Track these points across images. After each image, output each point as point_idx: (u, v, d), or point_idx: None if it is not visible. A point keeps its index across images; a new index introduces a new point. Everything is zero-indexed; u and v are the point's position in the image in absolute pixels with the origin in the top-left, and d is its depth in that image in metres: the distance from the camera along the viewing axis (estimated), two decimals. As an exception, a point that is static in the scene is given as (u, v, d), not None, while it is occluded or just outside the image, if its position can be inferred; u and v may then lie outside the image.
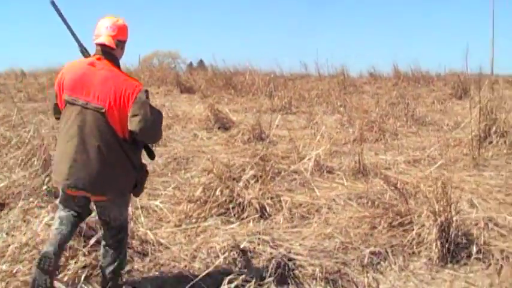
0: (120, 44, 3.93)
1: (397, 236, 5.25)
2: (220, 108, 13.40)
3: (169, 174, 8.20)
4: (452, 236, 4.90)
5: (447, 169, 8.09)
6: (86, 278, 4.30)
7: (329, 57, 34.95)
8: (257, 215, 5.96)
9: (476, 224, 5.50)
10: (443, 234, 4.88)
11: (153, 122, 3.82)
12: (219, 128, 12.07)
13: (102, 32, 3.86)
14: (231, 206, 6.08)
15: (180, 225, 5.78)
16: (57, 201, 4.21)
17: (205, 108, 13.11)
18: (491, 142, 9.75)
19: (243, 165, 7.94)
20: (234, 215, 5.99)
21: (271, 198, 6.35)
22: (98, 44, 3.89)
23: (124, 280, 4.30)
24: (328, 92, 17.46)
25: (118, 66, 3.96)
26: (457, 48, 48.76)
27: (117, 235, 4.08)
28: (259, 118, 11.78)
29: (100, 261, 4.17)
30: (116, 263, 4.06)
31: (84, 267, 4.42)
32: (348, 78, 21.63)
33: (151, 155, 4.24)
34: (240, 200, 6.13)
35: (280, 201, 6.36)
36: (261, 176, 7.09)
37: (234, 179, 7.22)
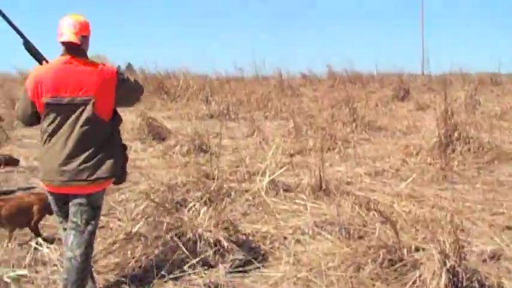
0: (84, 39, 4.00)
1: (390, 280, 4.22)
2: (154, 115, 12.24)
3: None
4: (462, 279, 3.92)
5: (415, 182, 7.22)
6: None
7: (266, 58, 33.73)
8: (212, 253, 4.82)
9: (483, 260, 4.56)
10: (453, 278, 3.89)
11: (138, 93, 4.40)
12: (153, 139, 10.94)
13: (65, 31, 3.93)
14: (180, 242, 4.88)
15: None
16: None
17: (137, 116, 11.86)
18: (454, 150, 8.96)
19: (187, 185, 6.84)
20: (184, 253, 4.82)
21: (226, 228, 5.22)
22: (63, 43, 3.95)
23: None
24: (267, 95, 16.48)
25: (87, 59, 4.05)
26: (386, 48, 48.80)
27: (85, 246, 3.96)
28: (198, 127, 10.69)
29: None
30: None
31: None
32: (284, 81, 20.75)
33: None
34: (190, 234, 4.97)
35: (237, 231, 5.27)
36: (210, 199, 6.02)
37: (178, 203, 6.13)
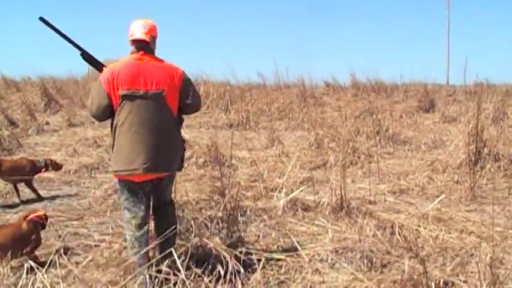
0: (153, 39, 4.44)
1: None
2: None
3: (108, 213, 6.63)
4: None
5: (442, 202, 6.75)
6: None
7: (288, 67, 33.49)
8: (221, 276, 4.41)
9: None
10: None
11: (200, 101, 4.78)
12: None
13: (136, 31, 4.37)
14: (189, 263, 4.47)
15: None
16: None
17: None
18: (483, 167, 8.49)
19: (200, 203, 6.48)
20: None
21: (238, 254, 4.80)
22: (134, 41, 4.38)
23: None
24: (288, 105, 16.09)
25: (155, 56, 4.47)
26: (411, 57, 48.09)
27: (173, 212, 4.69)
28: (216, 137, 10.33)
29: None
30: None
31: None
32: (307, 89, 20.37)
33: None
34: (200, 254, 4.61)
35: (250, 254, 4.86)
36: (222, 219, 5.66)
37: (188, 222, 5.75)
